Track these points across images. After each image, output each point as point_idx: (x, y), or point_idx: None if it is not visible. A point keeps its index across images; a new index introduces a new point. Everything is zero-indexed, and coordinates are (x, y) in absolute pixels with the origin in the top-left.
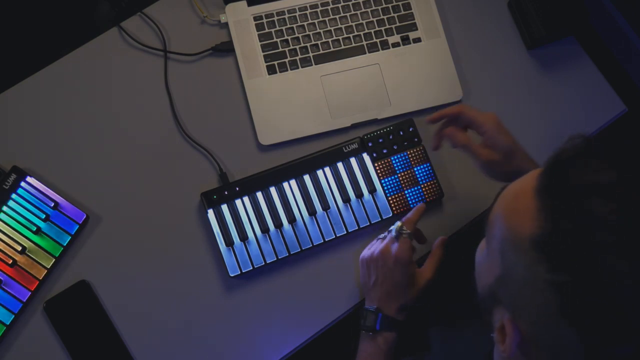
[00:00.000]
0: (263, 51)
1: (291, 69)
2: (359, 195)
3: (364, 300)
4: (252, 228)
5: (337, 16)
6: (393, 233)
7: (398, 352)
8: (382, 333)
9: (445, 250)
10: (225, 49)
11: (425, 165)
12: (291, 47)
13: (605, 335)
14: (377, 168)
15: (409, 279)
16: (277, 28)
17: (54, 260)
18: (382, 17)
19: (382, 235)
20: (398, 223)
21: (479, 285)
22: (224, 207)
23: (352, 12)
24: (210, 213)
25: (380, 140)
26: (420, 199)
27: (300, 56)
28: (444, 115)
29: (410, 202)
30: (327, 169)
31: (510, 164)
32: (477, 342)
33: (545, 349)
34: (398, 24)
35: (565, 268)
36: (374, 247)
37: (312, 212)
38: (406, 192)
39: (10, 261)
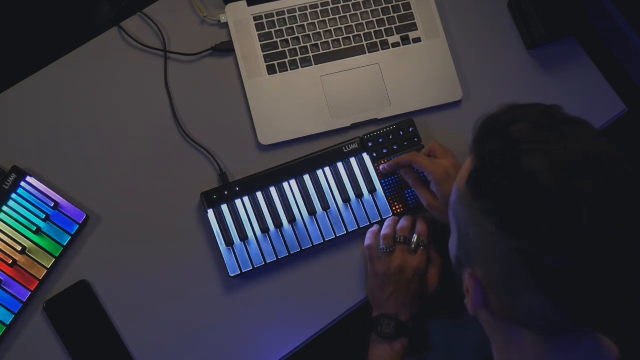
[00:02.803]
0: (263, 51)
1: (291, 69)
2: (359, 195)
3: (363, 300)
4: (252, 228)
5: (337, 16)
6: (412, 246)
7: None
8: (399, 339)
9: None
10: (225, 49)
11: None
12: (291, 47)
13: (534, 239)
14: (377, 168)
15: (422, 289)
16: (277, 28)
17: (54, 260)
18: (382, 17)
19: (383, 247)
20: (415, 236)
21: (453, 266)
22: (224, 207)
23: (352, 12)
24: (210, 213)
25: (380, 140)
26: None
27: (300, 56)
28: (399, 163)
29: (410, 202)
30: (327, 169)
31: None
32: (477, 342)
33: (499, 286)
34: (398, 24)
35: (492, 186)
36: (384, 260)
37: (312, 212)
38: (406, 192)
39: (10, 261)
